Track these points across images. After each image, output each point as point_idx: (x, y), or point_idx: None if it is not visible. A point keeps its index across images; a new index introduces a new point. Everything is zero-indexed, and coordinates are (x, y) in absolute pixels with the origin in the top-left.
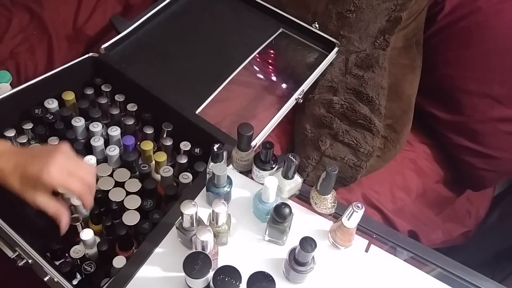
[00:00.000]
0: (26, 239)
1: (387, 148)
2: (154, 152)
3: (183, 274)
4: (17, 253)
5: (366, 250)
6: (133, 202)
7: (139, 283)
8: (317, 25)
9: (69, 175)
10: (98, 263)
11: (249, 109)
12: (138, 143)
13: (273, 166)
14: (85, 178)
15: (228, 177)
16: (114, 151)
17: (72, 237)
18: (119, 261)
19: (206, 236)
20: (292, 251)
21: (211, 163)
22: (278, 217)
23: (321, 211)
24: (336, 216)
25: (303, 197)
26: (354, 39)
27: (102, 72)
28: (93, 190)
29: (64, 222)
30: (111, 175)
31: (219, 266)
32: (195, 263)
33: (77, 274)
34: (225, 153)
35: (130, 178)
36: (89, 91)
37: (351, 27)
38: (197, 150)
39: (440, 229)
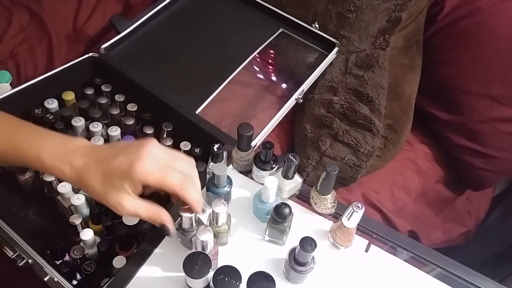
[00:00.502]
0: (26, 239)
1: (387, 148)
2: None
3: (183, 274)
4: (17, 253)
5: (366, 250)
6: None
7: (139, 283)
8: (317, 25)
9: (166, 167)
10: (98, 263)
11: (249, 109)
12: None
13: (273, 166)
14: (185, 170)
15: (228, 177)
16: None
17: (72, 237)
18: (119, 261)
19: (206, 236)
20: (292, 251)
21: (211, 163)
22: (278, 217)
23: (321, 211)
24: (336, 216)
25: (303, 197)
26: (354, 39)
27: (102, 72)
28: (197, 185)
29: (168, 221)
30: None
31: (219, 266)
32: (195, 263)
33: (77, 274)
34: (225, 153)
35: None
36: (89, 91)
37: (351, 27)
38: (197, 150)
39: (440, 229)
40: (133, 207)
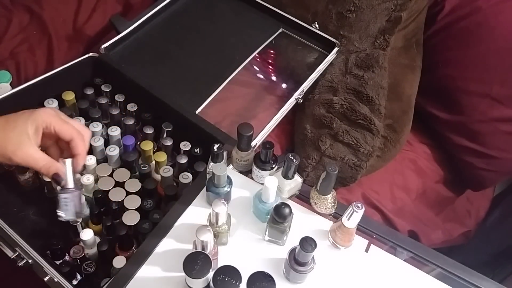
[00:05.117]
0: (26, 239)
1: (387, 148)
2: (154, 152)
3: (183, 274)
4: (17, 253)
5: (366, 250)
6: (133, 202)
7: (139, 283)
8: (317, 25)
9: (66, 119)
10: (98, 263)
11: (249, 109)
12: (138, 143)
13: (273, 166)
14: (78, 126)
15: (228, 177)
16: (114, 151)
17: (72, 237)
18: (119, 261)
19: (206, 236)
20: (292, 251)
21: (211, 163)
22: (278, 217)
23: (321, 211)
24: (336, 216)
25: (303, 197)
26: (354, 39)
27: (102, 72)
28: (87, 142)
29: (61, 171)
30: (111, 175)
31: (219, 266)
32: (195, 263)
33: (77, 274)
34: (225, 153)
35: (130, 178)
36: (89, 91)
37: (351, 27)
38: (197, 150)
39: (440, 229)
40: (31, 152)
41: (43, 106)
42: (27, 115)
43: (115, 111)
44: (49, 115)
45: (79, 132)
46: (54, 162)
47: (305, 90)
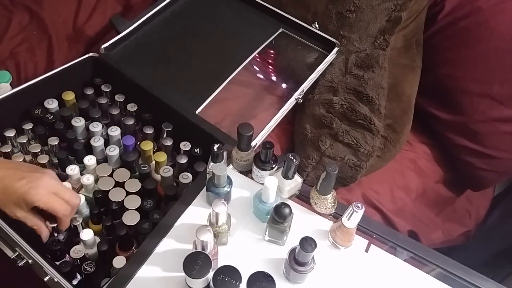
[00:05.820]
0: (26, 239)
1: (387, 148)
2: (154, 152)
3: (183, 274)
4: (17, 253)
5: (366, 250)
6: (133, 202)
7: (139, 283)
8: (317, 25)
9: (55, 195)
10: (98, 263)
11: (249, 109)
12: (138, 143)
13: (273, 166)
14: (70, 200)
15: (228, 177)
16: (114, 151)
17: (72, 237)
18: (119, 261)
19: (206, 236)
20: (292, 251)
21: (211, 163)
22: (278, 217)
23: (321, 211)
24: (336, 216)
25: (303, 197)
26: (354, 39)
27: (102, 72)
28: (75, 209)
29: (44, 235)
30: (111, 175)
31: (219, 266)
32: (195, 263)
33: (77, 274)
34: (225, 153)
35: (130, 178)
36: (89, 91)
37: (351, 27)
38: (197, 150)
39: (440, 229)
40: (22, 217)
41: (43, 106)
42: (25, 191)
43: (115, 111)
44: (43, 196)
45: (66, 208)
46: (40, 226)
47: (305, 90)
